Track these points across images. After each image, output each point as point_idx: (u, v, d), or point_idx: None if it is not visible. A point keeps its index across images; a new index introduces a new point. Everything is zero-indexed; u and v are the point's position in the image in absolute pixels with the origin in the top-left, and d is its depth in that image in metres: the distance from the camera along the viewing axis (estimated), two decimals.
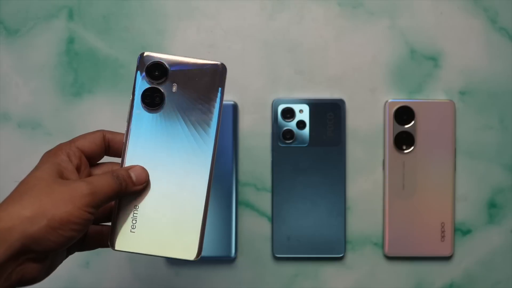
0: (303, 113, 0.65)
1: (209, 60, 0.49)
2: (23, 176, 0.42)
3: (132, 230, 0.46)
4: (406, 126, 0.65)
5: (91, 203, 0.41)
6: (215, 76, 0.48)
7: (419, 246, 0.65)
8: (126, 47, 0.65)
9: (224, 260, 0.65)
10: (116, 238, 0.46)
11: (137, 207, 0.46)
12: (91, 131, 0.46)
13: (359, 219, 0.66)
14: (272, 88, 0.66)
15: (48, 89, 0.65)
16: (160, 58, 0.48)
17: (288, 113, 0.65)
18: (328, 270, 0.66)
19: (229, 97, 0.65)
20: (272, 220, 0.65)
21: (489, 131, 0.66)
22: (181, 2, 0.65)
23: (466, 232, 0.66)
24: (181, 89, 0.48)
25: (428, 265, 0.66)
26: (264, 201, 0.66)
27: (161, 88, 0.48)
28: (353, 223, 0.66)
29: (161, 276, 0.66)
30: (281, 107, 0.65)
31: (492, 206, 0.66)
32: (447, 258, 0.66)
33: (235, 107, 0.65)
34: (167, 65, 0.48)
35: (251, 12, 0.65)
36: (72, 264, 0.65)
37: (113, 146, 0.47)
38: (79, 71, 0.65)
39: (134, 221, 0.46)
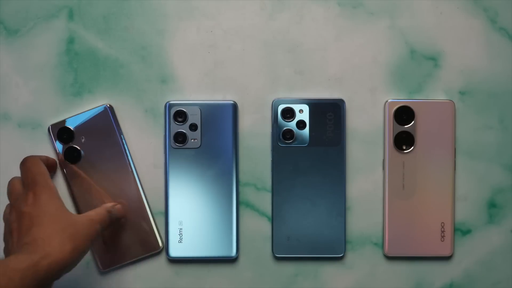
0: (303, 113, 0.65)
1: (96, 107, 0.63)
2: None
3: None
4: (406, 126, 0.65)
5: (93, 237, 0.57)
6: (105, 117, 0.63)
7: (419, 246, 0.65)
8: (126, 47, 0.65)
9: (225, 260, 0.65)
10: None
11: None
12: None
13: (359, 219, 0.66)
14: (272, 88, 0.66)
15: (48, 89, 0.65)
16: (63, 122, 0.63)
17: (288, 113, 0.65)
18: (328, 270, 0.66)
19: (229, 97, 0.65)
20: (272, 220, 0.65)
21: (489, 131, 0.66)
22: (181, 2, 0.65)
23: (466, 232, 0.66)
24: (89, 138, 0.63)
25: (428, 265, 0.66)
26: (264, 201, 0.66)
27: (74, 145, 0.63)
28: (353, 223, 0.66)
29: (161, 276, 0.66)
30: (281, 107, 0.65)
31: (492, 206, 0.66)
32: (447, 258, 0.66)
33: (235, 107, 0.65)
34: (70, 126, 0.62)
35: (251, 12, 0.65)
36: None
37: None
38: (79, 71, 0.65)
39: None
